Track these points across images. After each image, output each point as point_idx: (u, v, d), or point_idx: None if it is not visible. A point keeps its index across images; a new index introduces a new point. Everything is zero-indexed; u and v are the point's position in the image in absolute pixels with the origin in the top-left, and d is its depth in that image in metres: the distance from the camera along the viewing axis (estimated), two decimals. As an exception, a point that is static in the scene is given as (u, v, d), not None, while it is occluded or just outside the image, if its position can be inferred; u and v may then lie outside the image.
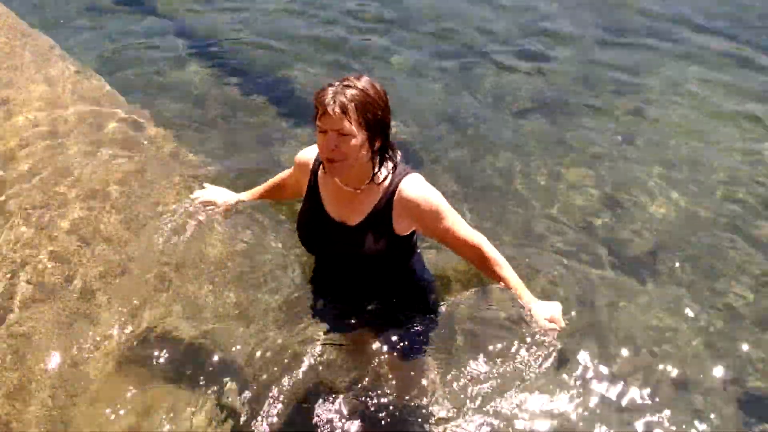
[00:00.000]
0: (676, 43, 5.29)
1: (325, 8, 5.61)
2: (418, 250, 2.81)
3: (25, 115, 4.00)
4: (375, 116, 2.29)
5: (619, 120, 4.46)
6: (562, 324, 2.60)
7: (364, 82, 2.30)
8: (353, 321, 2.77)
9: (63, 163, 3.67)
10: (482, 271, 2.66)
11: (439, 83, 4.79)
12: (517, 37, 5.34)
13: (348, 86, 2.27)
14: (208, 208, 3.15)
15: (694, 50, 5.20)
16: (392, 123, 2.43)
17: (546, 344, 2.64)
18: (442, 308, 2.84)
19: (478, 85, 4.78)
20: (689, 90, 4.75)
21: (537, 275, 3.18)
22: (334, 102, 2.23)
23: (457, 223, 2.53)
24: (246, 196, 3.14)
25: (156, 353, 2.81)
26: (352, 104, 2.24)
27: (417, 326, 2.74)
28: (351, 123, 2.24)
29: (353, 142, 2.27)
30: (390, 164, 2.44)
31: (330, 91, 2.26)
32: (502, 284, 2.63)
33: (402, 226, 2.47)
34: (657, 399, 2.76)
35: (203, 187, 3.30)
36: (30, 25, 4.94)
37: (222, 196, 3.16)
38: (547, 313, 2.59)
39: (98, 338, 2.85)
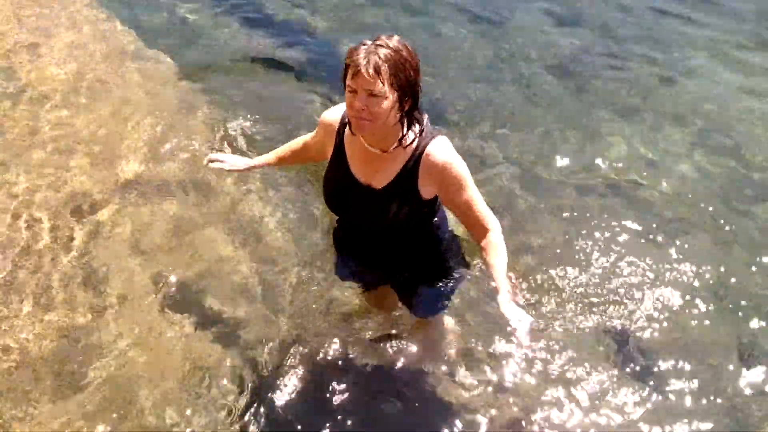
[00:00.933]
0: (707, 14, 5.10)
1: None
2: (443, 212, 2.80)
3: (54, 62, 4.02)
4: (407, 77, 2.25)
5: (641, 83, 4.35)
6: (524, 342, 2.32)
7: (396, 42, 2.25)
8: (377, 281, 2.81)
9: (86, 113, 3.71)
10: (479, 248, 2.55)
11: (468, 42, 4.72)
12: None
13: (380, 45, 2.22)
14: (213, 165, 2.84)
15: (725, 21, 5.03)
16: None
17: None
18: (466, 268, 2.84)
19: (505, 45, 4.71)
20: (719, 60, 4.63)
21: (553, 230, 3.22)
22: (368, 62, 2.19)
23: (476, 197, 2.47)
24: (261, 160, 2.90)
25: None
26: (386, 65, 2.20)
27: (440, 287, 2.76)
28: (383, 84, 2.21)
29: (384, 104, 2.24)
30: (417, 127, 2.41)
31: (363, 50, 2.21)
32: (487, 271, 2.48)
33: (427, 190, 2.46)
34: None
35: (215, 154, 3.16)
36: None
37: (233, 160, 2.91)
38: (515, 319, 2.33)
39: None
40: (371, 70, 2.19)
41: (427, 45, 4.58)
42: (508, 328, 2.30)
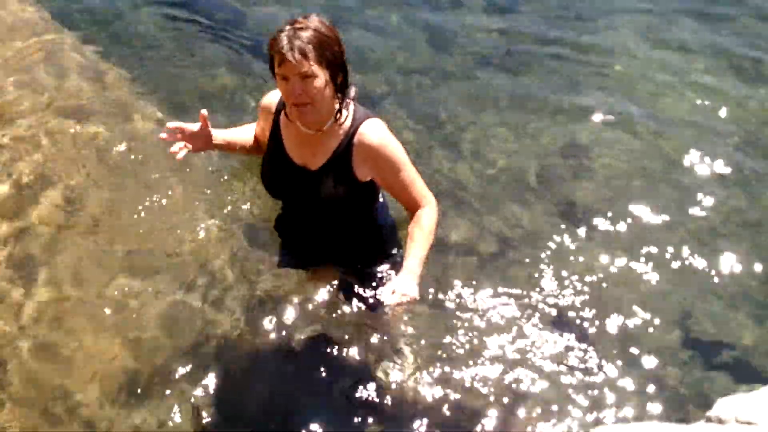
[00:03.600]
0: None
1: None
2: (382, 198, 2.83)
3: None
4: (333, 53, 2.28)
5: (582, 75, 4.45)
6: (391, 301, 2.36)
7: (314, 22, 2.27)
8: (316, 267, 2.81)
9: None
10: (409, 221, 2.58)
11: (402, 35, 4.71)
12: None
13: (300, 28, 2.23)
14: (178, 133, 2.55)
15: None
16: (353, 75, 2.41)
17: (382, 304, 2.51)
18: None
19: (440, 37, 4.72)
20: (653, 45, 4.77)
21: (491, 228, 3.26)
22: (292, 48, 2.20)
23: (412, 177, 2.50)
24: (221, 137, 2.69)
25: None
26: (310, 46, 2.22)
27: (378, 273, 2.77)
28: (312, 64, 2.24)
29: (317, 83, 2.26)
30: (351, 107, 2.44)
31: (284, 37, 2.22)
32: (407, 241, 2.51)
33: (362, 171, 2.49)
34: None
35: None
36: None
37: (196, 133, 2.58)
38: (400, 287, 2.36)
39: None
40: (297, 55, 2.20)
41: (362, 39, 4.55)
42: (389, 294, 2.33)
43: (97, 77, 3.92)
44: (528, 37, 4.76)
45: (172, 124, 2.51)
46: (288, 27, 2.26)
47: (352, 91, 2.44)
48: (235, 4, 4.82)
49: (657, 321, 2.96)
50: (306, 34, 2.23)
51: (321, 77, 2.27)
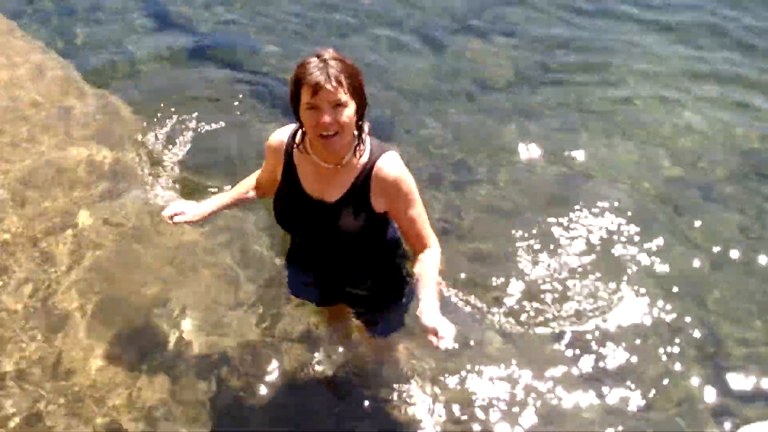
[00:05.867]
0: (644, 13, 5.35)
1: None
2: (395, 230, 2.81)
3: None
4: (360, 84, 2.31)
5: (590, 95, 4.52)
6: (438, 345, 2.21)
7: (335, 53, 2.29)
8: (331, 298, 2.79)
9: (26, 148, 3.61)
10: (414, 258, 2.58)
11: (406, 59, 4.79)
12: (480, 13, 5.36)
13: (326, 59, 2.25)
14: (177, 218, 2.63)
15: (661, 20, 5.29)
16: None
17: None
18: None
19: (446, 60, 4.80)
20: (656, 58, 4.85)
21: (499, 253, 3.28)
22: (327, 75, 2.22)
23: (422, 213, 2.53)
24: (217, 203, 2.73)
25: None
26: (342, 75, 2.24)
27: (394, 302, 2.77)
28: (346, 92, 2.25)
29: (348, 112, 2.27)
30: (367, 140, 2.45)
31: (314, 67, 2.23)
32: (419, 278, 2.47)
33: (379, 203, 2.48)
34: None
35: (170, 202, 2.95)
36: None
37: (192, 208, 2.70)
38: (433, 322, 2.24)
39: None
40: (334, 83, 2.22)
41: (374, 65, 4.64)
42: (430, 336, 2.20)
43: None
44: (536, 61, 4.84)
45: (169, 213, 2.61)
46: (314, 59, 2.26)
47: (366, 126, 2.45)
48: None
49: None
50: (335, 64, 2.25)
51: (351, 106, 2.28)
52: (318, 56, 2.27)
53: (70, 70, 4.35)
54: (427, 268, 2.48)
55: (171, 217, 2.59)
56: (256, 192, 2.80)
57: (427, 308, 2.29)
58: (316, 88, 2.22)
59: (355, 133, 2.38)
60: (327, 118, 2.26)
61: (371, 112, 2.38)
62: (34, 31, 4.76)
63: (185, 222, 2.62)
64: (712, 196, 3.79)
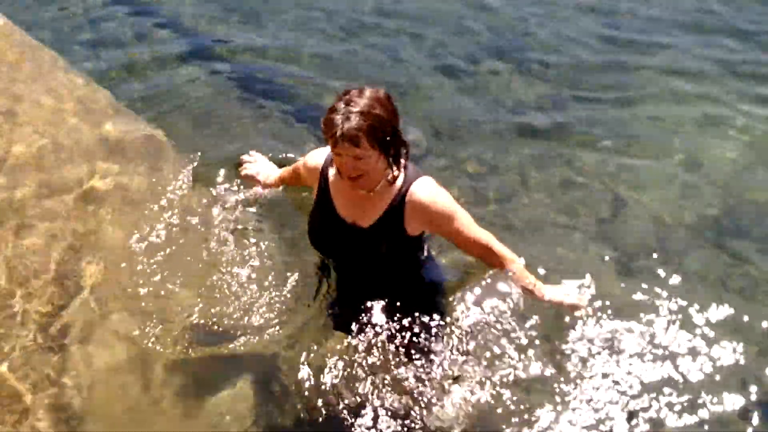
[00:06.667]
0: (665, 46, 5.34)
1: (329, 20, 5.62)
2: (429, 251, 2.84)
3: (32, 127, 4.04)
4: (384, 134, 2.31)
5: (616, 123, 4.51)
6: (579, 302, 2.76)
7: (367, 99, 2.27)
8: (365, 323, 2.81)
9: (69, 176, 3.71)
10: (491, 267, 2.71)
11: (442, 89, 4.85)
12: (509, 42, 5.40)
13: (351, 110, 2.25)
14: (247, 190, 3.33)
15: (684, 52, 5.27)
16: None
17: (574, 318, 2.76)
18: (454, 309, 2.86)
19: (480, 89, 4.85)
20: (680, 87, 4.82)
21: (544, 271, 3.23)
22: (343, 134, 2.24)
23: (466, 223, 2.58)
24: (276, 177, 3.27)
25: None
26: (361, 132, 2.25)
27: (428, 328, 2.78)
28: (363, 149, 2.29)
29: (369, 161, 2.33)
30: (402, 162, 2.48)
31: (337, 118, 2.25)
32: (511, 275, 2.70)
33: (413, 227, 2.53)
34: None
35: (250, 155, 3.43)
36: (36, 39, 4.98)
37: (264, 170, 3.32)
38: (563, 294, 2.72)
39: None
40: (348, 143, 2.26)
41: (404, 92, 4.70)
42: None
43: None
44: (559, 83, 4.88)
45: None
46: (342, 106, 2.28)
47: (407, 151, 2.49)
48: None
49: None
50: (356, 119, 2.25)
51: (373, 156, 2.32)
52: (347, 102, 2.28)
53: (110, 99, 4.47)
54: (512, 263, 2.69)
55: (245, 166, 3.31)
56: (298, 180, 3.03)
57: (548, 291, 2.70)
58: (335, 142, 2.27)
59: (389, 166, 2.42)
60: (347, 167, 2.32)
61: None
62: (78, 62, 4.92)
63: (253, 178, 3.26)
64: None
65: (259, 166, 3.29)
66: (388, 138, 2.33)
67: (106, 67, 4.97)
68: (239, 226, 3.40)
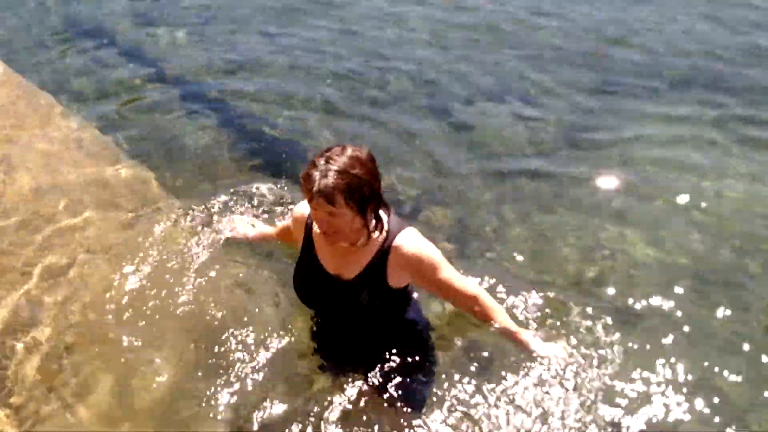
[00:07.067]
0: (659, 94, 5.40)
1: (317, 69, 5.72)
2: (415, 296, 2.85)
3: (28, 173, 4.08)
4: (362, 194, 2.31)
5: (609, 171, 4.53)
6: (564, 357, 2.72)
7: (347, 158, 2.28)
8: (352, 373, 2.80)
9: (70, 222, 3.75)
10: (479, 318, 2.70)
11: (427, 137, 4.86)
12: (502, 89, 5.47)
13: (330, 168, 2.26)
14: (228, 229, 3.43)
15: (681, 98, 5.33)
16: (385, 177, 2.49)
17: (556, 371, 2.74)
18: (440, 354, 2.89)
19: (467, 137, 4.88)
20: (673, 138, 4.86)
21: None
22: (319, 191, 2.26)
23: (452, 275, 2.57)
24: (258, 232, 3.34)
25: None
26: (336, 191, 2.26)
27: (415, 375, 2.77)
28: (338, 207, 2.30)
29: (343, 219, 2.34)
30: (385, 218, 2.50)
31: (315, 174, 2.27)
32: (498, 327, 2.69)
33: (396, 280, 2.52)
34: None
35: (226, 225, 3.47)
36: (32, 83, 5.07)
37: (243, 226, 3.40)
38: (549, 349, 2.69)
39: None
40: (323, 200, 2.28)
41: (390, 140, 4.74)
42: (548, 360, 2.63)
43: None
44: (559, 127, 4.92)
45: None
46: (322, 162, 2.30)
47: (389, 211, 2.51)
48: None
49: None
50: (334, 177, 2.26)
51: (348, 215, 2.33)
52: (327, 159, 2.30)
53: (107, 141, 4.53)
54: (496, 313, 2.69)
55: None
56: (288, 237, 2.99)
57: (533, 342, 2.68)
58: (311, 197, 2.31)
59: (366, 224, 2.42)
60: (321, 222, 2.37)
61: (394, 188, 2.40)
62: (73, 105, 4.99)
63: (230, 235, 3.32)
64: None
65: (237, 226, 3.40)
66: (365, 198, 2.34)
67: (104, 111, 5.03)
68: (217, 267, 3.43)
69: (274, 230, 3.20)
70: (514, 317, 2.98)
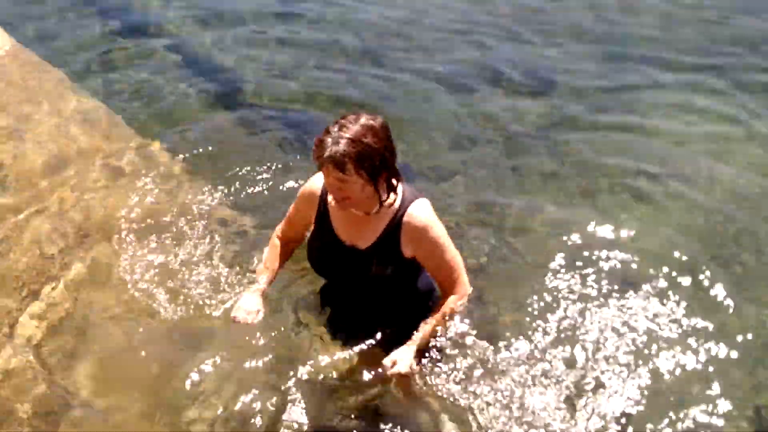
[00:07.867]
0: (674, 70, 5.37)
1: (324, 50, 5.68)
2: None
3: (38, 147, 4.09)
4: (372, 163, 2.30)
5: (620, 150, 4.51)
6: (398, 370, 2.52)
7: (360, 127, 2.28)
8: (364, 341, 2.82)
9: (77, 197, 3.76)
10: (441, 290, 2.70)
11: (444, 107, 4.90)
12: (519, 63, 5.44)
13: (342, 135, 2.26)
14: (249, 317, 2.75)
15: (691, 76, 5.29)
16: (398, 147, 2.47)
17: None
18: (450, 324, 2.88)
19: (483, 109, 4.89)
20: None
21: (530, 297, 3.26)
22: (330, 157, 2.25)
23: (450, 259, 2.58)
24: (265, 282, 2.81)
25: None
26: (347, 158, 2.25)
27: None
28: (349, 175, 2.29)
29: (354, 187, 2.33)
30: (399, 187, 2.49)
31: (327, 141, 2.27)
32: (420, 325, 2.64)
33: (408, 249, 2.53)
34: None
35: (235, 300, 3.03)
36: (42, 58, 5.05)
37: (252, 305, 2.73)
38: (396, 357, 2.53)
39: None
40: (333, 166, 2.27)
41: (401, 111, 4.75)
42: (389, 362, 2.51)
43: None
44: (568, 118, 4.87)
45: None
46: (335, 129, 2.29)
47: (402, 180, 2.49)
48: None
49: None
50: (345, 145, 2.25)
51: (358, 183, 2.32)
52: (340, 126, 2.30)
53: (115, 119, 4.52)
54: (438, 311, 2.62)
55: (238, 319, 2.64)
56: (290, 246, 2.89)
57: (401, 351, 2.54)
58: (321, 163, 2.30)
59: (378, 193, 2.41)
60: (333, 189, 2.37)
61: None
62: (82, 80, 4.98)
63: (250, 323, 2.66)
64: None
65: (247, 304, 2.75)
66: (375, 167, 2.32)
67: (113, 87, 5.02)
68: (237, 248, 3.45)
69: (276, 253, 2.87)
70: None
